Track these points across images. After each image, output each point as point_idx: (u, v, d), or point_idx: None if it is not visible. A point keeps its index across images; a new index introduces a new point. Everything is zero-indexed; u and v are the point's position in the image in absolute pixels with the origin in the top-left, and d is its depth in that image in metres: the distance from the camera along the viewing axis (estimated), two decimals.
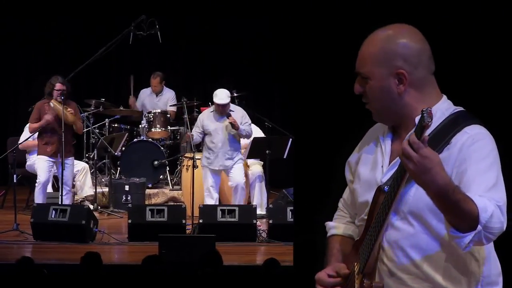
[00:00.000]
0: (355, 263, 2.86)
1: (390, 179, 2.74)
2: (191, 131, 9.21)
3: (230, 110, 8.30)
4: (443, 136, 2.74)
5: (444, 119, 2.78)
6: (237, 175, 8.36)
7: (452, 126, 2.76)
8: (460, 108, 2.81)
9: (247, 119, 8.43)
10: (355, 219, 3.04)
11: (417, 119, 2.55)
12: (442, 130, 2.75)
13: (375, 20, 2.82)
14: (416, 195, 2.70)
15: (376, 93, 2.77)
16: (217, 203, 8.29)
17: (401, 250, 2.76)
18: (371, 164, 2.89)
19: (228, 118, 8.17)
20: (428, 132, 2.69)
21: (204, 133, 8.42)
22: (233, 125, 8.14)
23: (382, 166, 2.84)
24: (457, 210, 2.54)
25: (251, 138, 8.48)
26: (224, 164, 8.33)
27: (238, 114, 8.36)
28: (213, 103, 9.30)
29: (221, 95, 8.26)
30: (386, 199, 2.67)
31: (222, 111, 8.25)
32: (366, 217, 2.83)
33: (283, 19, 9.25)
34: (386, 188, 2.72)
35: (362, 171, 2.92)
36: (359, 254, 2.84)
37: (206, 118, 8.45)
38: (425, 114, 2.44)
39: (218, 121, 8.32)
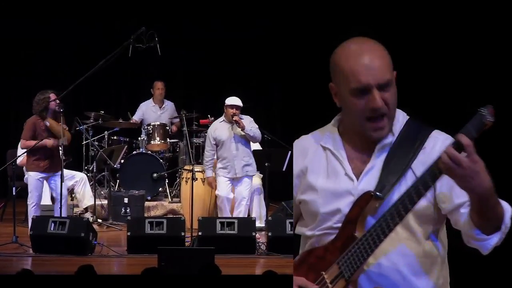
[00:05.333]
0: (324, 272, 2.85)
1: (384, 186, 2.74)
2: (190, 144, 9.23)
3: (240, 119, 8.31)
4: (413, 140, 2.81)
5: (404, 124, 2.86)
6: (243, 189, 8.36)
7: (416, 130, 2.84)
8: (404, 113, 2.90)
9: (255, 124, 8.41)
10: None
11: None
12: (409, 135, 2.82)
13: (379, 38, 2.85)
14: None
15: (395, 99, 2.82)
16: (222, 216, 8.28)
17: (385, 256, 2.78)
18: (327, 173, 2.91)
19: (233, 118, 8.19)
20: (395, 136, 2.75)
21: (216, 145, 8.43)
22: (238, 124, 8.16)
23: (346, 174, 2.86)
24: (494, 212, 2.60)
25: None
26: (242, 170, 8.33)
27: (246, 121, 8.35)
28: (211, 115, 9.34)
29: (232, 98, 8.33)
30: (396, 208, 2.66)
31: (231, 116, 8.22)
32: (338, 225, 2.83)
33: (284, 32, 9.28)
34: (378, 194, 2.73)
35: (315, 181, 2.93)
36: (331, 262, 2.83)
37: (217, 128, 8.46)
38: (485, 113, 2.43)
39: (230, 129, 8.34)
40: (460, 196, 2.72)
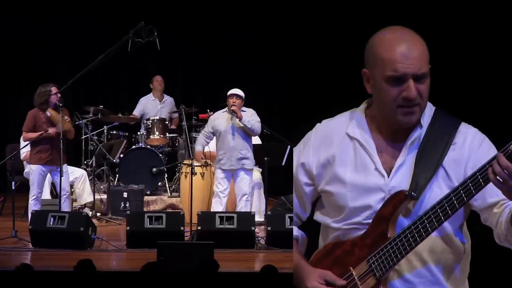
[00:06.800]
0: (352, 267, 2.83)
1: (417, 184, 2.71)
2: (189, 139, 9.20)
3: (242, 111, 8.22)
4: (442, 134, 2.77)
5: (431, 116, 2.83)
6: (243, 185, 8.25)
7: (444, 123, 2.81)
8: (431, 105, 2.88)
9: (256, 117, 8.31)
10: (303, 219, 3.07)
11: None
12: (437, 128, 2.79)
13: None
14: (431, 198, 2.71)
15: (428, 91, 2.81)
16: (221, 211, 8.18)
17: (416, 254, 2.77)
18: (355, 166, 2.87)
19: (231, 108, 8.14)
20: (424, 129, 2.72)
21: (214, 135, 8.39)
22: (236, 114, 8.10)
23: (376, 169, 2.83)
24: None
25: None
26: (237, 163, 8.19)
27: (248, 113, 8.27)
28: (211, 110, 9.31)
29: (234, 89, 8.27)
30: (435, 213, 2.65)
31: (231, 108, 8.15)
32: (367, 221, 2.80)
33: (284, 26, 9.28)
34: (413, 194, 2.71)
35: (344, 174, 2.89)
36: (359, 258, 2.81)
37: (218, 118, 8.38)
38: None
39: (229, 121, 8.26)
40: (493, 195, 2.69)
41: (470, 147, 2.77)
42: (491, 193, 2.69)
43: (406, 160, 2.81)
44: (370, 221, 2.80)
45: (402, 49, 2.74)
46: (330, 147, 2.95)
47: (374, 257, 2.78)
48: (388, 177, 2.82)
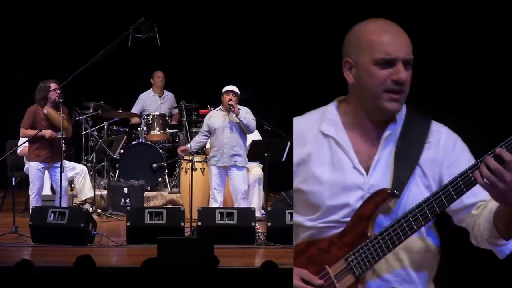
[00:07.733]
0: (328, 266, 2.81)
1: (398, 183, 2.70)
2: (189, 134, 9.20)
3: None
4: (417, 133, 2.78)
5: (404, 115, 2.83)
6: (237, 183, 8.25)
7: (417, 122, 2.81)
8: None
9: (251, 115, 8.28)
10: None
11: None
12: (411, 127, 2.79)
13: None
14: (409, 197, 2.70)
15: (409, 83, 2.80)
16: (221, 207, 8.18)
17: (393, 253, 2.76)
18: (331, 164, 2.85)
19: (229, 103, 8.11)
20: (398, 126, 2.70)
21: (210, 133, 8.39)
22: (233, 108, 8.06)
23: (354, 167, 2.81)
24: None
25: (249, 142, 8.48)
26: (230, 159, 8.20)
27: (243, 111, 8.24)
28: (211, 105, 9.31)
29: (230, 85, 8.26)
30: (422, 211, 2.63)
31: (228, 101, 8.14)
32: (345, 219, 2.78)
33: (283, 24, 9.29)
34: (396, 192, 2.69)
35: (321, 173, 2.86)
36: (336, 256, 2.79)
37: (213, 116, 8.40)
38: None
39: (224, 118, 8.26)
40: (470, 196, 2.67)
41: (445, 148, 2.78)
42: (468, 194, 2.67)
43: (382, 157, 2.79)
44: (348, 219, 2.77)
45: (391, 33, 2.76)
46: (303, 146, 2.93)
47: (353, 255, 2.76)
48: (367, 174, 2.80)
